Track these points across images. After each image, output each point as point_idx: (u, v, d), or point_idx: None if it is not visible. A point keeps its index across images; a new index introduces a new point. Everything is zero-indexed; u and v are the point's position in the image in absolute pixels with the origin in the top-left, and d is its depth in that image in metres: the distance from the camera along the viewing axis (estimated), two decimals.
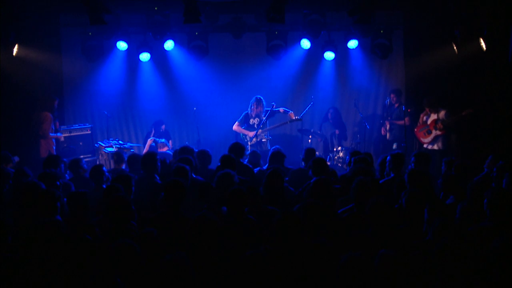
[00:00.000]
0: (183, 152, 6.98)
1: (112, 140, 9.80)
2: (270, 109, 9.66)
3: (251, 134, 9.64)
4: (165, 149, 9.60)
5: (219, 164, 7.19)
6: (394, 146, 10.06)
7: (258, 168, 7.19)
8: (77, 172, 6.89)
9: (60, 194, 5.14)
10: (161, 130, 10.58)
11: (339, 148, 10.14)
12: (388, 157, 6.51)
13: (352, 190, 5.05)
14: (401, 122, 9.51)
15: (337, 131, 10.73)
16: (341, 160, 9.85)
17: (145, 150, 9.64)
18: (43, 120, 9.18)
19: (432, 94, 9.75)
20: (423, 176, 5.54)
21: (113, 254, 3.74)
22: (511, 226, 4.41)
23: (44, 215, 4.83)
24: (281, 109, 9.88)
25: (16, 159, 7.79)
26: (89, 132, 10.24)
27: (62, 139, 9.62)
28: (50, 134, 9.27)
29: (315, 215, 4.42)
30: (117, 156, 7.64)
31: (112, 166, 7.76)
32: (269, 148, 9.47)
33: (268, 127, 9.84)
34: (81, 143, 9.96)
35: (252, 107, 9.78)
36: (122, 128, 11.30)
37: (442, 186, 5.74)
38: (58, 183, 5.91)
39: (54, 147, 9.41)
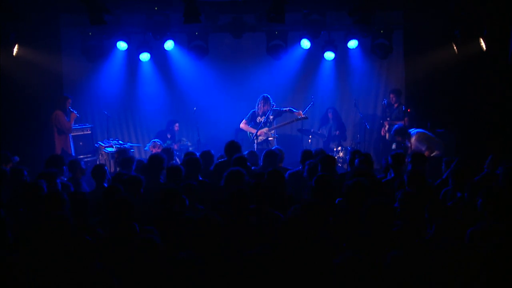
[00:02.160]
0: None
1: (112, 140, 9.80)
2: (271, 108, 9.60)
3: (259, 132, 9.61)
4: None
5: (217, 161, 7.18)
6: (394, 146, 10.04)
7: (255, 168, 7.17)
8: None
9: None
10: (174, 130, 10.59)
11: (339, 148, 10.13)
12: (388, 157, 6.52)
13: (345, 191, 5.03)
14: (401, 123, 9.49)
15: (337, 132, 10.71)
16: (341, 160, 9.85)
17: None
18: (58, 119, 9.28)
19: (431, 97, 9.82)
20: (421, 176, 5.54)
21: (137, 249, 3.73)
22: (509, 225, 4.41)
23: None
24: (288, 109, 9.81)
25: (16, 159, 7.77)
26: (89, 132, 10.23)
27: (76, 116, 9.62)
28: (71, 126, 9.43)
29: (316, 215, 4.41)
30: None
31: (112, 166, 7.72)
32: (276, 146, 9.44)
33: (275, 125, 9.80)
34: (81, 143, 9.95)
35: (259, 105, 9.71)
36: (122, 128, 11.31)
37: (452, 182, 5.69)
38: (58, 181, 5.90)
39: (71, 145, 9.49)
